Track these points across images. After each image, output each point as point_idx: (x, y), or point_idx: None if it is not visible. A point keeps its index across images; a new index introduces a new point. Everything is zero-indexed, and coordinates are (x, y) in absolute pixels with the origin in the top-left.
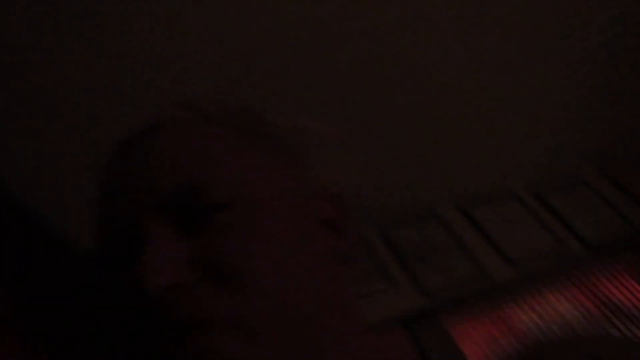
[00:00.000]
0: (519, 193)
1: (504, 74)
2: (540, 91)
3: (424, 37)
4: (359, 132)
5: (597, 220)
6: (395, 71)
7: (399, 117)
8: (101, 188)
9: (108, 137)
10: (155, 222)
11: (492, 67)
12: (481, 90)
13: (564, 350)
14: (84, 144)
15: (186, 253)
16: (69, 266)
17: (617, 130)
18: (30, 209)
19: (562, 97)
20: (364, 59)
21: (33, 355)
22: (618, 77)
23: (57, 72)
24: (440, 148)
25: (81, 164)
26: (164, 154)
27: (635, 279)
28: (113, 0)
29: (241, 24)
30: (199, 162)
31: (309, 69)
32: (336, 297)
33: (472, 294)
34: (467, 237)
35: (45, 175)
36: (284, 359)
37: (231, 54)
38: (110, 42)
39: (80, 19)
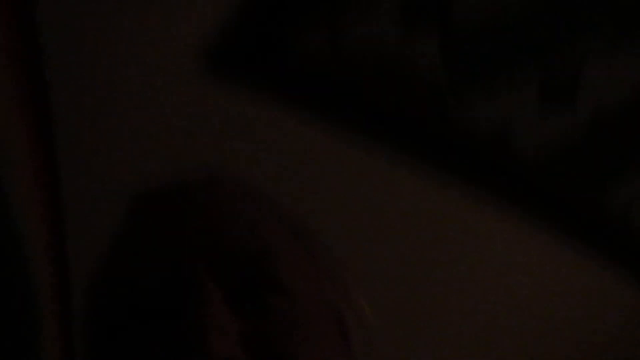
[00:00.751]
0: None
1: None
2: None
3: None
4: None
5: None
6: None
7: None
8: (130, 234)
9: None
10: (214, 283)
11: None
12: None
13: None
14: None
15: (236, 329)
16: None
17: None
18: None
19: None
20: None
21: None
22: None
23: None
24: None
25: None
26: (233, 213)
27: None
28: None
29: None
30: (267, 235)
31: None
32: None
33: None
34: None
35: None
36: None
37: None
38: None
39: None
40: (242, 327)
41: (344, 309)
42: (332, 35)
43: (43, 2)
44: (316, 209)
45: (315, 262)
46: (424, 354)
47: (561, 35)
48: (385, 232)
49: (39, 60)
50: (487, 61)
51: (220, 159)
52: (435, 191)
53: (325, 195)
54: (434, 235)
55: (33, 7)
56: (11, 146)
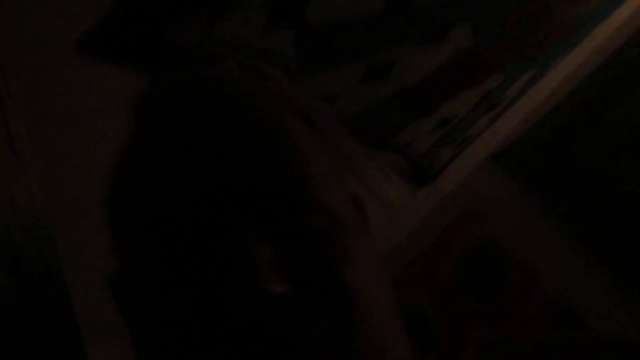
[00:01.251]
0: None
1: None
2: None
3: None
4: None
5: None
6: None
7: None
8: (133, 153)
9: None
10: (246, 215)
11: None
12: None
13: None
14: None
15: (273, 260)
16: None
17: None
18: None
19: None
20: None
21: None
22: None
23: None
24: None
25: None
26: (249, 125)
27: None
28: None
29: None
30: (297, 149)
31: None
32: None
33: None
34: None
35: None
36: None
37: None
38: None
39: None
40: (280, 254)
41: (357, 188)
42: (205, 28)
43: None
44: None
45: (327, 145)
46: None
47: (384, 40)
48: None
49: None
50: (329, 49)
51: None
52: None
53: None
54: None
55: None
56: None
